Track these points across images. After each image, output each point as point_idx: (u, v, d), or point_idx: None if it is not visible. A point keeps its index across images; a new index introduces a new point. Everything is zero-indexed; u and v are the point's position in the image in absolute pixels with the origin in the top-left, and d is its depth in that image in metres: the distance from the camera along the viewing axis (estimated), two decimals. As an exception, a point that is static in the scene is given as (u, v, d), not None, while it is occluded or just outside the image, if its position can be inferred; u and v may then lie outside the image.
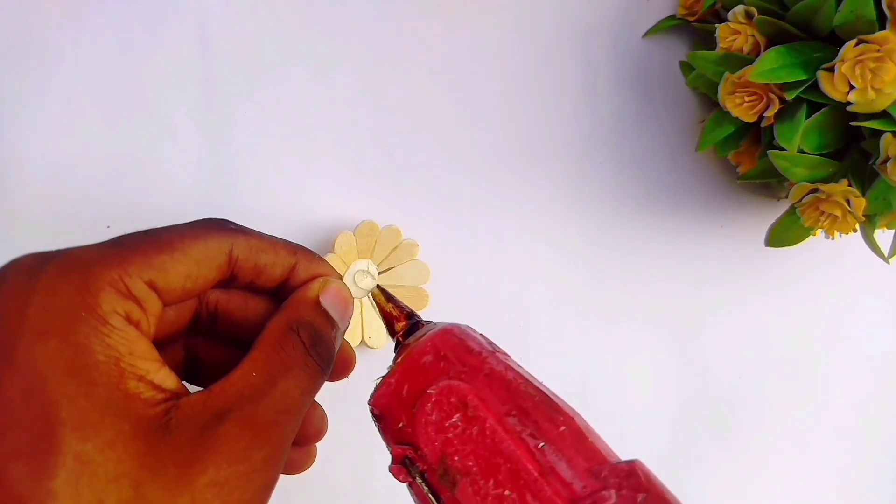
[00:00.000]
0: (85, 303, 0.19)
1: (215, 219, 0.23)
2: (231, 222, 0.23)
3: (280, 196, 0.35)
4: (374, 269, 0.31)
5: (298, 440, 0.23)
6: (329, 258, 0.30)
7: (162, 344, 0.22)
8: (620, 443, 0.21)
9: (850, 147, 0.30)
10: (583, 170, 0.36)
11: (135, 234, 0.21)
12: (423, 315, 0.25)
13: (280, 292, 0.24)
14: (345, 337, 0.26)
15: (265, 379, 0.20)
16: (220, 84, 0.35)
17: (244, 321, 0.24)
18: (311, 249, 0.24)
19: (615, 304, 0.36)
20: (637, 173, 0.36)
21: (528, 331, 0.36)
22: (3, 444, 0.18)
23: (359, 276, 0.30)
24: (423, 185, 0.35)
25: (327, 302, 0.23)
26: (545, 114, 0.36)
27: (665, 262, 0.36)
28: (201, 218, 0.23)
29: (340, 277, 0.24)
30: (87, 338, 0.18)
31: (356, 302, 0.30)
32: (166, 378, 0.19)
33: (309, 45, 0.35)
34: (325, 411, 0.25)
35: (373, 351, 0.33)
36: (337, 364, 0.24)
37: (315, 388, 0.21)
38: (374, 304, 0.26)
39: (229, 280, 0.22)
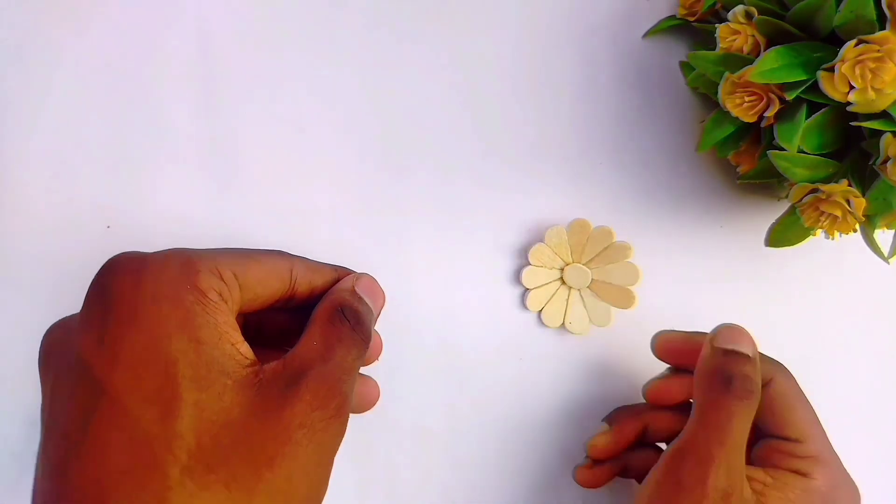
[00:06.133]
0: (188, 279, 0.23)
1: (277, 250, 0.28)
2: (288, 252, 0.28)
3: (280, 196, 0.35)
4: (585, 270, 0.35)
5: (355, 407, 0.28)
6: (539, 248, 0.34)
7: None
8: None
9: (850, 147, 0.30)
10: (582, 170, 0.36)
11: (218, 248, 0.26)
12: (631, 314, 0.34)
13: None
14: (547, 320, 0.35)
15: (326, 347, 0.24)
16: (221, 84, 0.35)
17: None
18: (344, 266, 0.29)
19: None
20: (637, 173, 0.36)
21: (528, 331, 0.35)
22: (136, 392, 0.21)
23: (574, 271, 0.34)
24: (416, 188, 0.35)
25: (361, 290, 0.27)
26: (545, 114, 0.36)
27: (665, 262, 0.36)
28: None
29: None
30: (192, 305, 0.22)
31: (567, 291, 0.35)
32: (248, 351, 0.23)
33: (310, 44, 0.35)
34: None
35: (571, 335, 0.35)
36: (362, 400, 0.29)
37: (362, 355, 0.26)
38: (582, 297, 0.35)
39: (290, 298, 0.27)
